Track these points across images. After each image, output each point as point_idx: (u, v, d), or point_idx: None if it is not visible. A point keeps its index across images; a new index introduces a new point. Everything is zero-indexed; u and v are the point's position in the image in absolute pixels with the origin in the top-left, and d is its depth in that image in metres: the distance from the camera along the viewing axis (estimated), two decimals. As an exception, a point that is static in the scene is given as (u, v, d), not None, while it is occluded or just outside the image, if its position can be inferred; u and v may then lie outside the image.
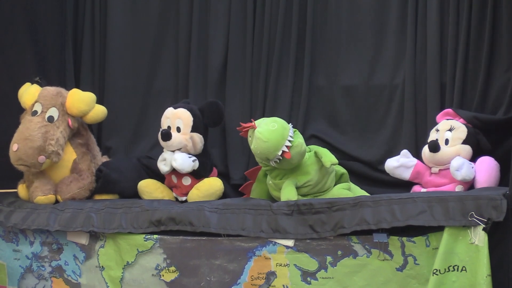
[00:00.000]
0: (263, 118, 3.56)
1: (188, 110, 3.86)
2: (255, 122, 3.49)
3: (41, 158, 3.70)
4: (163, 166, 3.80)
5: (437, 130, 3.64)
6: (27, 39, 4.31)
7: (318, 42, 4.20)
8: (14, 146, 3.70)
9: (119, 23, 4.49)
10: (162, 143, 3.81)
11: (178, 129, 3.81)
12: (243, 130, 3.51)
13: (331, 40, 4.19)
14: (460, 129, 3.59)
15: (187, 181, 3.85)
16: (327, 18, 4.19)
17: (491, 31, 3.75)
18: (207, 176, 3.88)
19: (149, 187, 3.88)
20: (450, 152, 3.55)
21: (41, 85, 3.92)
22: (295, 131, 3.54)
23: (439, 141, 3.60)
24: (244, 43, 4.30)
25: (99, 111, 3.92)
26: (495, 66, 3.78)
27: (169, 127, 3.83)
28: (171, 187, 3.93)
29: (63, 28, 4.51)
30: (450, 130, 3.60)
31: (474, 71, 3.84)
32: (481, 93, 3.78)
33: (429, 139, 3.67)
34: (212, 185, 3.81)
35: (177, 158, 3.75)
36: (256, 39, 4.28)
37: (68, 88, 3.99)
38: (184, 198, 3.85)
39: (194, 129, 3.82)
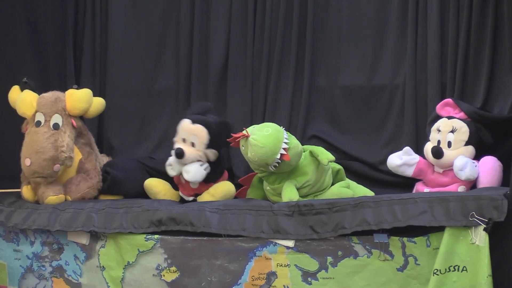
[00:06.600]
0: (253, 126, 3.52)
1: (206, 127, 3.76)
2: (246, 130, 3.46)
3: (56, 167, 3.70)
4: (170, 170, 3.79)
5: (439, 131, 3.64)
6: (27, 39, 4.30)
7: (319, 42, 4.21)
8: (26, 161, 3.68)
9: (120, 23, 4.50)
10: (175, 159, 3.78)
11: (193, 144, 3.79)
12: (235, 140, 3.47)
13: (332, 40, 4.19)
14: (462, 130, 3.59)
15: (194, 184, 3.83)
16: (327, 18, 4.20)
17: (492, 30, 3.76)
18: (215, 181, 3.85)
19: (158, 187, 3.86)
20: (454, 156, 3.55)
21: (30, 87, 3.86)
22: (288, 132, 3.53)
23: (441, 143, 3.60)
24: (245, 43, 4.31)
25: (98, 104, 3.89)
26: (495, 65, 3.78)
27: (184, 140, 3.80)
28: (179, 184, 3.92)
29: (63, 28, 4.52)
30: (452, 131, 3.60)
31: (474, 71, 3.85)
32: (482, 93, 3.78)
33: (430, 138, 3.66)
34: (229, 190, 3.79)
35: (189, 171, 3.74)
36: (257, 39, 4.29)
37: (70, 88, 3.98)
38: (190, 199, 3.84)
39: (209, 146, 3.77)
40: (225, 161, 3.99)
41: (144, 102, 4.49)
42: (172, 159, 3.78)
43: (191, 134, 3.77)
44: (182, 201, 3.86)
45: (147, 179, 3.92)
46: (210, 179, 3.82)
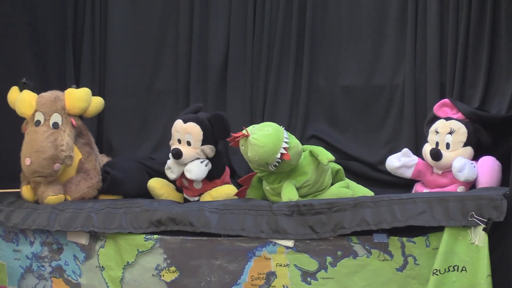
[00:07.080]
0: (253, 125, 3.51)
1: (198, 123, 3.77)
2: (246, 129, 3.45)
3: (56, 166, 3.70)
4: (170, 174, 3.80)
5: (437, 132, 3.63)
6: (27, 39, 4.30)
7: (318, 42, 4.21)
8: (26, 160, 3.68)
9: (119, 23, 4.50)
10: (174, 160, 3.77)
11: (189, 143, 3.79)
12: (235, 140, 3.45)
13: (331, 40, 4.20)
14: (460, 131, 3.58)
15: (198, 184, 3.83)
16: (327, 18, 4.20)
17: (491, 31, 3.77)
18: (219, 177, 3.86)
19: (161, 190, 3.86)
20: (453, 157, 3.55)
21: (29, 87, 3.86)
22: (288, 132, 3.53)
23: (440, 145, 3.60)
24: (244, 43, 4.32)
25: (97, 104, 3.90)
26: (494, 66, 3.78)
27: (179, 141, 3.80)
28: (182, 187, 3.92)
29: (63, 28, 4.52)
30: (451, 133, 3.59)
31: (473, 71, 3.85)
32: (480, 92, 3.78)
33: (429, 139, 3.66)
34: (229, 194, 3.79)
35: (191, 170, 3.74)
36: (256, 39, 4.29)
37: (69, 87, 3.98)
38: (196, 199, 3.84)
39: (204, 142, 3.78)
40: (223, 156, 3.99)
41: (143, 102, 4.49)
42: (170, 162, 3.78)
43: (185, 133, 3.77)
44: (187, 202, 3.85)
45: (151, 180, 3.92)
46: (213, 176, 3.83)
